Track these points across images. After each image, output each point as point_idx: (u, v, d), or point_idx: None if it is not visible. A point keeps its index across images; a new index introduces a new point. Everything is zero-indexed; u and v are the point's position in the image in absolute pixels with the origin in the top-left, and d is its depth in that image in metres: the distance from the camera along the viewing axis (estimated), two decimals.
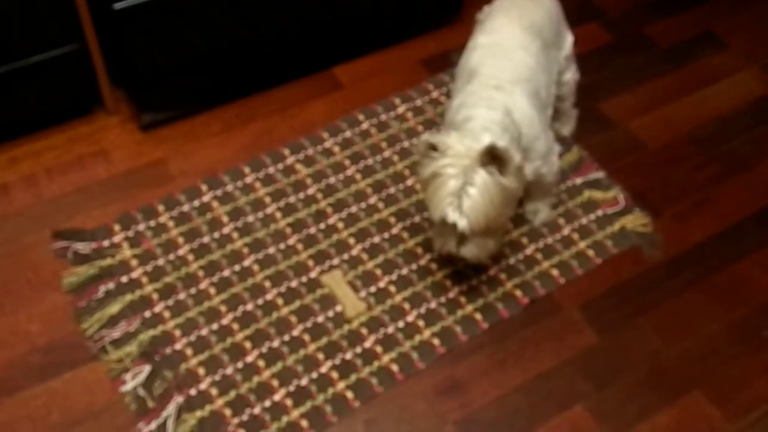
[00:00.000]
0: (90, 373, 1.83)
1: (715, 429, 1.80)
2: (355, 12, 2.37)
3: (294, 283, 1.98)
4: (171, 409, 1.77)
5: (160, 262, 2.00)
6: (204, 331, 1.89)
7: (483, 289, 1.99)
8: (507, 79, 1.85)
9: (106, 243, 2.03)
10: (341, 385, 1.83)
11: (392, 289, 1.99)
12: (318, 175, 2.19)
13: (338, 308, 1.95)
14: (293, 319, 1.92)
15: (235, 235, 2.06)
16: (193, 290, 1.96)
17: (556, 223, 2.12)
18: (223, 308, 1.93)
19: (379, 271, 2.01)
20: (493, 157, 1.68)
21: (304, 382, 1.83)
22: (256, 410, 1.78)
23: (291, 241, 2.06)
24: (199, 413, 1.77)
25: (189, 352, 1.86)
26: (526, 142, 1.85)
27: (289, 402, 1.80)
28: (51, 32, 2.03)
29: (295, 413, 1.78)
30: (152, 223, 2.07)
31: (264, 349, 1.87)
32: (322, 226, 2.09)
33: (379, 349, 1.88)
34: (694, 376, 1.88)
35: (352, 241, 2.07)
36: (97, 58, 2.16)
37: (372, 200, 2.15)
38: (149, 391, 1.80)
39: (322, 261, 2.02)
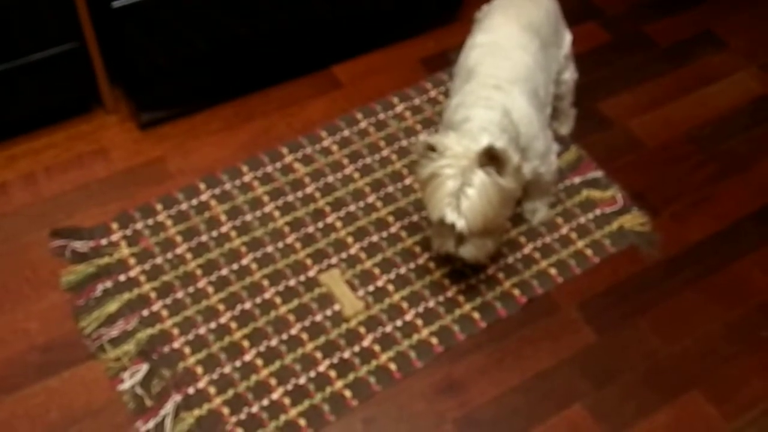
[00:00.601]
0: (88, 371, 1.83)
1: (713, 428, 1.80)
2: (354, 11, 2.37)
3: (292, 282, 1.98)
4: (169, 407, 1.77)
5: (158, 260, 2.00)
6: (202, 330, 1.89)
7: (481, 288, 1.99)
8: (505, 78, 1.85)
9: (104, 241, 2.03)
10: (339, 384, 1.83)
11: (390, 288, 1.99)
12: (316, 174, 2.19)
13: (336, 307, 1.95)
14: (291, 318, 1.92)
15: (233, 233, 2.06)
16: (191, 289, 1.96)
17: (554, 223, 2.12)
18: (221, 307, 1.93)
19: (377, 270, 2.01)
20: (491, 158, 1.68)
21: (302, 380, 1.83)
22: (254, 409, 1.78)
23: (289, 240, 2.06)
24: (197, 412, 1.77)
25: (187, 350, 1.86)
26: (525, 142, 1.84)
27: (287, 401, 1.80)
28: (50, 30, 2.03)
29: (293, 412, 1.78)
30: (150, 221, 2.07)
31: (262, 348, 1.87)
32: (320, 225, 2.09)
33: (377, 348, 1.88)
34: (692, 376, 1.88)
35: (350, 240, 2.07)
36: (95, 57, 2.16)
37: (370, 199, 2.15)
38: (147, 390, 1.80)
39: (320, 260, 2.02)
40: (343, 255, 2.04)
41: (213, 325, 1.90)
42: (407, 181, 2.19)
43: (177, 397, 1.79)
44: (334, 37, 2.43)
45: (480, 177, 1.69)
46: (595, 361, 1.89)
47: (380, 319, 1.93)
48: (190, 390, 1.80)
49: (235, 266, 2.00)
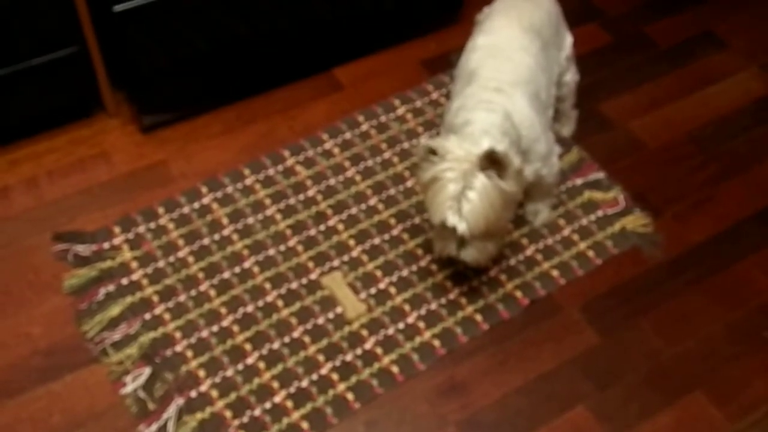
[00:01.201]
0: (91, 375, 1.83)
1: (716, 429, 1.80)
2: (356, 13, 2.37)
3: (294, 285, 1.98)
4: (171, 411, 1.77)
5: (161, 264, 2.00)
6: (204, 333, 1.89)
7: (483, 290, 1.99)
8: (506, 81, 1.85)
9: (106, 245, 2.03)
10: (342, 386, 1.83)
11: (392, 290, 1.99)
12: (318, 177, 2.19)
13: (338, 310, 1.95)
14: (293, 320, 1.93)
15: (235, 236, 2.06)
16: (193, 292, 1.96)
17: (556, 224, 2.12)
18: (223, 310, 1.94)
19: (379, 273, 2.01)
20: (492, 162, 1.68)
21: (304, 383, 1.83)
22: (257, 412, 1.78)
23: (291, 243, 2.06)
24: (199, 415, 1.77)
25: (189, 354, 1.86)
26: (526, 145, 1.84)
27: (289, 404, 1.80)
28: (51, 35, 2.03)
29: (296, 415, 1.78)
30: (152, 225, 2.07)
31: (264, 351, 1.87)
32: (322, 227, 2.09)
33: (379, 350, 1.89)
34: (694, 377, 1.88)
35: (352, 242, 2.07)
36: (97, 61, 2.16)
37: (372, 201, 2.15)
38: (150, 393, 1.80)
39: (322, 262, 2.03)
40: (345, 257, 2.04)
41: (215, 328, 1.91)
42: (409, 184, 2.19)
43: (180, 401, 1.79)
44: (335, 39, 2.43)
45: (481, 180, 1.69)
46: (597, 362, 1.89)
47: (382, 321, 1.93)
48: (193, 393, 1.80)
49: (237, 269, 2.00)
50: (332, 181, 2.18)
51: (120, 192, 2.15)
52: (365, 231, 2.09)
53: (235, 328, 1.91)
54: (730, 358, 1.91)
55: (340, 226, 2.09)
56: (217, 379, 1.83)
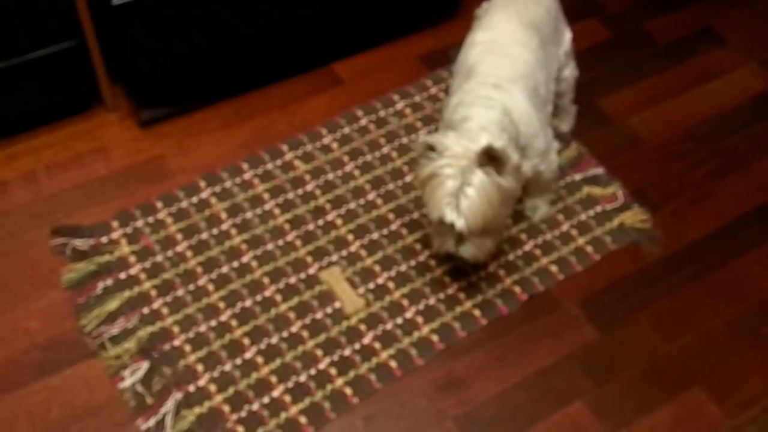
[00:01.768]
0: (89, 369, 1.83)
1: (714, 425, 1.81)
2: (354, 8, 2.37)
3: (292, 280, 1.98)
4: (169, 405, 1.77)
5: (159, 258, 2.00)
6: (202, 328, 1.89)
7: (482, 285, 1.99)
8: (505, 76, 1.84)
9: (104, 239, 2.03)
10: (340, 381, 1.83)
11: (391, 285, 1.99)
12: (316, 172, 2.19)
13: (337, 305, 1.95)
14: (292, 315, 1.92)
15: (233, 231, 2.06)
16: (191, 287, 1.96)
17: (555, 220, 2.12)
18: (221, 305, 1.93)
19: (377, 268, 2.01)
20: (490, 158, 1.68)
21: (302, 378, 1.83)
22: (255, 406, 1.78)
23: (289, 238, 2.06)
24: (197, 409, 1.77)
25: (187, 348, 1.86)
26: (525, 140, 1.84)
27: (287, 398, 1.80)
28: (49, 28, 2.03)
29: (294, 409, 1.78)
30: (150, 219, 2.07)
31: (262, 346, 1.87)
32: (320, 222, 2.09)
33: (377, 345, 1.89)
34: (693, 372, 1.88)
35: (350, 237, 2.07)
36: (95, 55, 2.16)
37: (370, 196, 2.15)
38: (148, 388, 1.80)
39: (320, 257, 2.02)
40: (344, 252, 2.04)
41: (213, 322, 1.90)
42: (407, 178, 2.19)
43: (178, 395, 1.79)
44: (335, 34, 2.43)
45: (479, 177, 1.69)
46: (595, 358, 1.89)
47: (381, 316, 1.93)
48: (191, 388, 1.80)
49: (235, 264, 2.00)
50: (331, 176, 2.18)
51: (118, 186, 2.15)
52: (364, 226, 2.09)
53: (234, 323, 1.91)
54: (728, 354, 1.91)
55: (339, 221, 2.09)
56: (216, 374, 1.82)
